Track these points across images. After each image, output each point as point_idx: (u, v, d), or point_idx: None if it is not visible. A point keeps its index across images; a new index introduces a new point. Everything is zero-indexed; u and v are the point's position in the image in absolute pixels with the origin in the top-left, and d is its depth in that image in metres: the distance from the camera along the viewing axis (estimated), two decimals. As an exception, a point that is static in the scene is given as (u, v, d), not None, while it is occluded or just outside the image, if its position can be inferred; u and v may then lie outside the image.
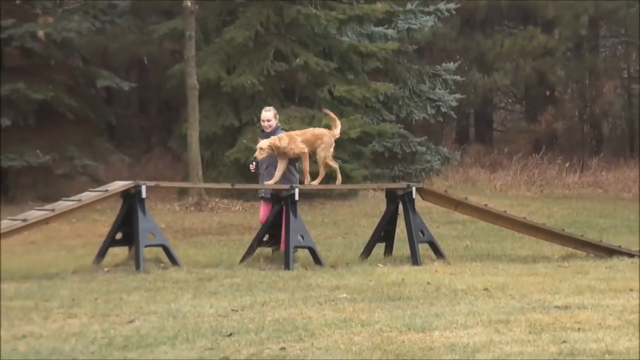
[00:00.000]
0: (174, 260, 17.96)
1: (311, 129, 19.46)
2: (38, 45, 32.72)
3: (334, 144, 18.77)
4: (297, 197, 18.43)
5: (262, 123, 19.00)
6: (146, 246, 17.76)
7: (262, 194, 18.98)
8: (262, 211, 19.12)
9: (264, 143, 17.82)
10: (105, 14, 34.88)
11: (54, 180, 33.95)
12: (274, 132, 18.58)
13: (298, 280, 16.26)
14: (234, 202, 32.55)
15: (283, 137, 17.91)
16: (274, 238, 19.02)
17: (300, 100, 36.09)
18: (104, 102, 39.67)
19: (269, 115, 18.88)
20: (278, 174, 18.05)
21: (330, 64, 35.09)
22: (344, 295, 14.54)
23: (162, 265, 17.89)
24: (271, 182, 18.01)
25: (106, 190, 18.61)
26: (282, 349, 10.78)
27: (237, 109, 35.34)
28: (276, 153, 18.00)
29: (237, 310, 13.35)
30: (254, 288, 15.34)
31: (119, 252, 18.55)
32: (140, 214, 17.78)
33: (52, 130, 34.74)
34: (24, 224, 18.08)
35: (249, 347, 10.91)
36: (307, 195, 28.52)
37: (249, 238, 19.84)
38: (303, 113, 34.90)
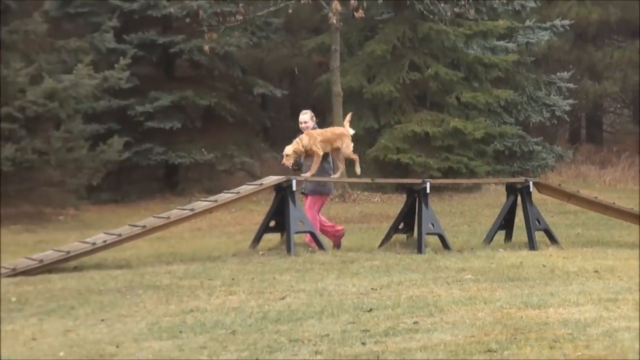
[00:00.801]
0: (320, 245, 17.99)
1: (331, 128, 18.89)
2: (204, 58, 33.04)
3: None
4: (428, 190, 18.42)
5: (300, 125, 18.44)
6: (296, 232, 17.78)
7: (302, 190, 18.48)
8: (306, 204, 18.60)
9: (288, 149, 17.45)
10: (261, 31, 35.13)
11: (216, 175, 34.27)
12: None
13: (429, 263, 16.17)
14: (373, 194, 32.54)
15: (303, 137, 17.50)
16: (408, 226, 19.02)
17: (431, 105, 36.04)
18: (260, 107, 39.93)
19: (305, 117, 18.38)
20: (315, 166, 17.62)
21: (457, 74, 35.09)
22: (469, 276, 14.43)
23: (309, 249, 17.92)
24: (308, 175, 17.66)
25: (261, 184, 18.72)
26: (415, 322, 10.74)
27: (376, 113, 35.40)
28: (302, 153, 17.67)
29: (376, 289, 13.32)
30: (390, 269, 15.28)
31: (272, 238, 18.62)
32: (291, 204, 17.83)
33: (215, 131, 35.08)
34: (191, 213, 18.29)
35: (386, 321, 10.89)
36: (437, 188, 28.47)
37: (386, 226, 19.78)
38: (434, 117, 34.96)
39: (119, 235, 17.41)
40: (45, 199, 28.35)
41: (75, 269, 16.65)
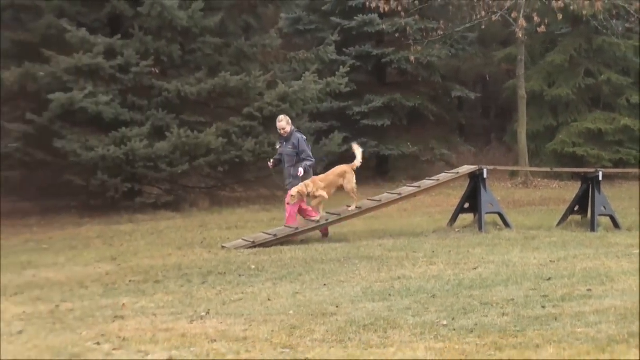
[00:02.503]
0: (507, 224, 17.80)
1: (333, 170, 17.47)
2: (410, 66, 33.11)
3: (354, 175, 17.27)
4: (600, 178, 18.11)
5: (279, 131, 17.52)
6: (487, 213, 17.70)
7: (286, 186, 17.56)
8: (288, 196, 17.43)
9: (294, 190, 16.51)
10: (458, 44, 34.94)
11: (420, 165, 34.24)
12: (291, 135, 17.25)
13: (601, 240, 15.81)
14: (552, 181, 32.00)
15: (309, 183, 16.52)
16: (582, 208, 18.69)
17: (604, 106, 35.24)
18: (456, 108, 39.71)
19: (282, 124, 17.29)
20: (315, 202, 16.89)
21: (627, 79, 34.37)
22: (637, 251, 14.03)
23: (498, 227, 17.75)
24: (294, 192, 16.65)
25: (457, 172, 18.71)
26: (589, 290, 10.52)
27: (555, 113, 34.94)
28: (304, 196, 16.70)
29: (554, 261, 13.10)
30: (567, 245, 15.00)
31: (466, 218, 18.53)
32: (482, 189, 17.76)
33: (419, 128, 35.12)
34: (399, 196, 18.41)
35: (563, 288, 10.70)
36: (608, 176, 27.83)
37: (563, 208, 19.42)
38: (606, 116, 34.43)
39: (339, 214, 17.61)
40: (278, 184, 28.74)
41: (302, 242, 16.88)
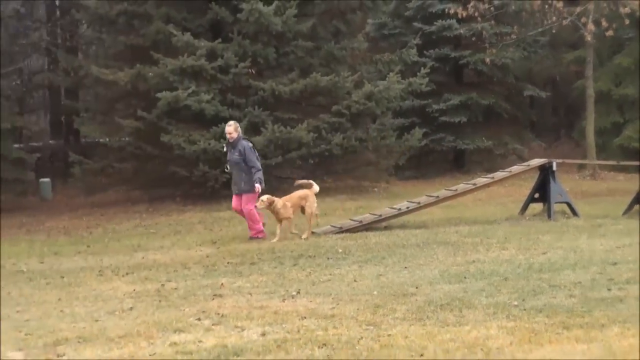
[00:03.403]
0: (574, 213, 17.60)
1: (295, 192, 16.63)
2: (485, 68, 32.83)
3: (315, 199, 16.52)
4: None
5: (226, 136, 16.64)
6: (556, 202, 17.51)
7: (236, 192, 16.51)
8: (234, 201, 16.67)
9: (264, 197, 15.76)
10: (531, 47, 34.48)
11: (493, 158, 33.92)
12: (237, 142, 16.30)
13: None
14: (618, 174, 31.37)
15: (280, 201, 15.90)
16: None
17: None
18: (528, 106, 39.27)
19: (229, 129, 16.40)
20: (284, 224, 16.12)
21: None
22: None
23: (566, 216, 17.54)
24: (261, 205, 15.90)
25: (528, 165, 18.61)
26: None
27: (622, 111, 34.28)
28: (271, 208, 15.89)
29: (619, 247, 12.88)
30: (632, 233, 14.67)
31: (536, 207, 18.34)
32: (551, 181, 17.58)
33: (493, 124, 34.75)
34: (474, 187, 18.32)
35: (628, 272, 10.56)
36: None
37: (628, 199, 19.02)
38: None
39: (418, 203, 17.57)
40: (364, 175, 28.80)
41: (385, 228, 16.85)
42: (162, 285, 11.25)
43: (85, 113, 31.14)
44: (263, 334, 8.06)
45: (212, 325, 8.58)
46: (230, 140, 16.37)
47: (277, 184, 26.72)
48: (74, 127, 33.36)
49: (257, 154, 16.63)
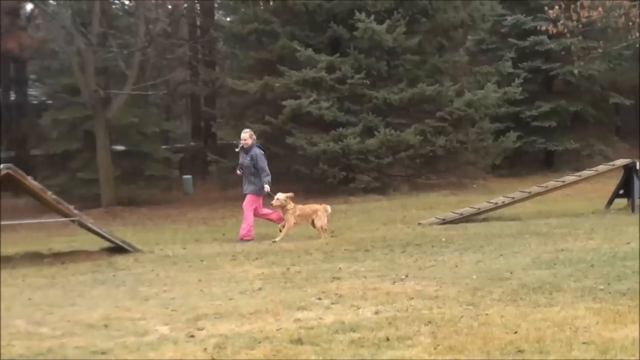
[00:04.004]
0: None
1: (310, 205, 15.87)
2: (574, 78, 32.24)
3: (326, 216, 15.42)
4: None
5: (241, 142, 15.77)
6: (639, 198, 17.11)
7: (244, 192, 15.78)
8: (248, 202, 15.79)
9: (281, 195, 14.97)
10: (616, 59, 33.60)
11: (581, 159, 33.12)
12: (250, 148, 15.54)
13: None
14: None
15: (292, 204, 15.10)
16: None
17: None
18: (613, 112, 38.26)
19: (245, 136, 15.63)
20: (286, 226, 15.17)
21: None
22: None
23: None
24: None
25: (614, 164, 18.22)
26: None
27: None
28: (283, 207, 15.13)
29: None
30: None
31: (621, 202, 17.89)
32: (635, 178, 17.18)
33: (581, 129, 34.06)
34: (563, 183, 18.02)
35: None
36: None
37: None
38: None
39: (513, 198, 17.39)
40: (464, 173, 28.57)
41: (483, 220, 16.68)
42: (287, 268, 11.31)
43: (221, 119, 31.75)
44: (376, 312, 8.07)
45: (331, 304, 8.59)
46: (245, 146, 15.62)
47: (389, 181, 26.76)
48: (212, 131, 34.00)
49: (267, 160, 15.89)
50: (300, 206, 15.46)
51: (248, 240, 15.18)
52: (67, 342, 7.19)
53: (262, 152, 15.75)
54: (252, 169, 15.54)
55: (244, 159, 15.57)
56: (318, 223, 15.27)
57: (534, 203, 19.10)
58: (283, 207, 15.19)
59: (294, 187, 26.32)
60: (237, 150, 16.13)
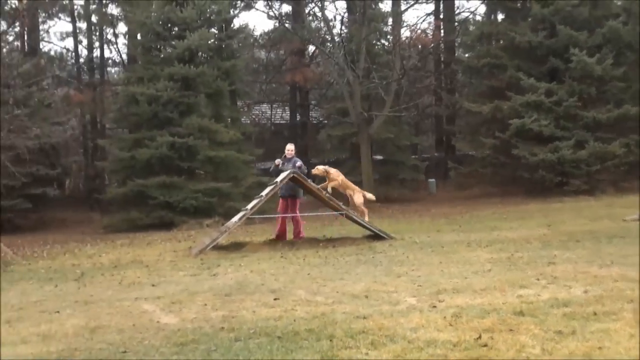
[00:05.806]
0: None
1: (351, 183, 14.51)
2: None
3: (362, 197, 14.13)
4: None
5: (286, 152, 14.29)
6: None
7: (280, 194, 14.21)
8: (281, 205, 14.47)
9: (320, 166, 14.18)
10: None
11: None
12: (292, 158, 14.13)
13: None
14: None
15: (334, 170, 13.88)
16: None
17: None
18: None
19: (291, 147, 14.37)
20: (327, 183, 13.93)
21: None
22: None
23: None
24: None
25: None
26: None
27: None
28: (326, 174, 13.99)
29: None
30: None
31: None
32: None
33: None
34: None
35: None
36: None
37: None
38: None
39: None
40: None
41: None
42: (512, 254, 11.15)
43: (459, 134, 31.66)
44: (585, 292, 7.80)
45: (547, 284, 8.41)
46: (289, 157, 14.30)
47: (597, 185, 25.37)
48: (452, 144, 33.88)
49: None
50: (342, 176, 14.49)
51: (302, 238, 14.26)
52: (337, 308, 7.48)
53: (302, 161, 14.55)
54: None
55: (287, 167, 14.06)
56: (355, 200, 14.40)
57: None
58: (325, 175, 14.28)
59: (516, 189, 25.87)
60: (276, 162, 14.36)
